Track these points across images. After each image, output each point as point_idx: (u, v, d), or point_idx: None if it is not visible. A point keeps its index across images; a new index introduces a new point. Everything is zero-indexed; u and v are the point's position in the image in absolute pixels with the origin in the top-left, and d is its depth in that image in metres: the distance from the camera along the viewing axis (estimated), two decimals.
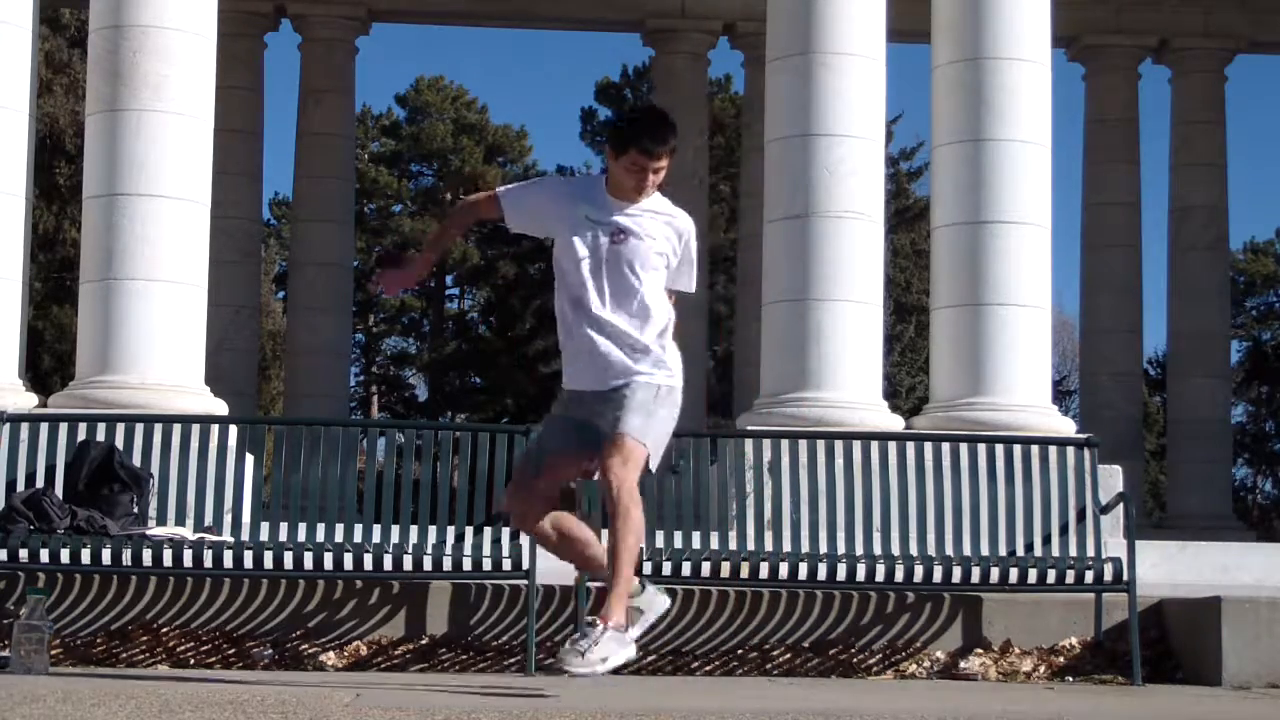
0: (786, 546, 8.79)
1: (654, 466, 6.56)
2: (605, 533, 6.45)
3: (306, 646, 8.58)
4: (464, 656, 8.57)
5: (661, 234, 6.62)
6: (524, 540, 8.49)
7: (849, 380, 11.38)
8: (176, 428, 9.06)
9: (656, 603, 6.65)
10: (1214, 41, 20.27)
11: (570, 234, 6.61)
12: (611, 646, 6.21)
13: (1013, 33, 11.92)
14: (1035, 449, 9.12)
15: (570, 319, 6.61)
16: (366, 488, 8.76)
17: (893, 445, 9.20)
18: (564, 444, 6.64)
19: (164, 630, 8.60)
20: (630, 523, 6.34)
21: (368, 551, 8.50)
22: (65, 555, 8.40)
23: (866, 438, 9.31)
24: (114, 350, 10.79)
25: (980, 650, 8.71)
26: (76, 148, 25.78)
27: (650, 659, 8.62)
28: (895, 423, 11.51)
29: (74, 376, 11.13)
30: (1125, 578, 8.57)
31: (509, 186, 6.82)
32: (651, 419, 6.49)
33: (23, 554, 8.39)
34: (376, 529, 8.68)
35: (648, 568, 8.40)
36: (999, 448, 9.10)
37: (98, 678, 7.23)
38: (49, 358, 28.20)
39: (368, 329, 43.60)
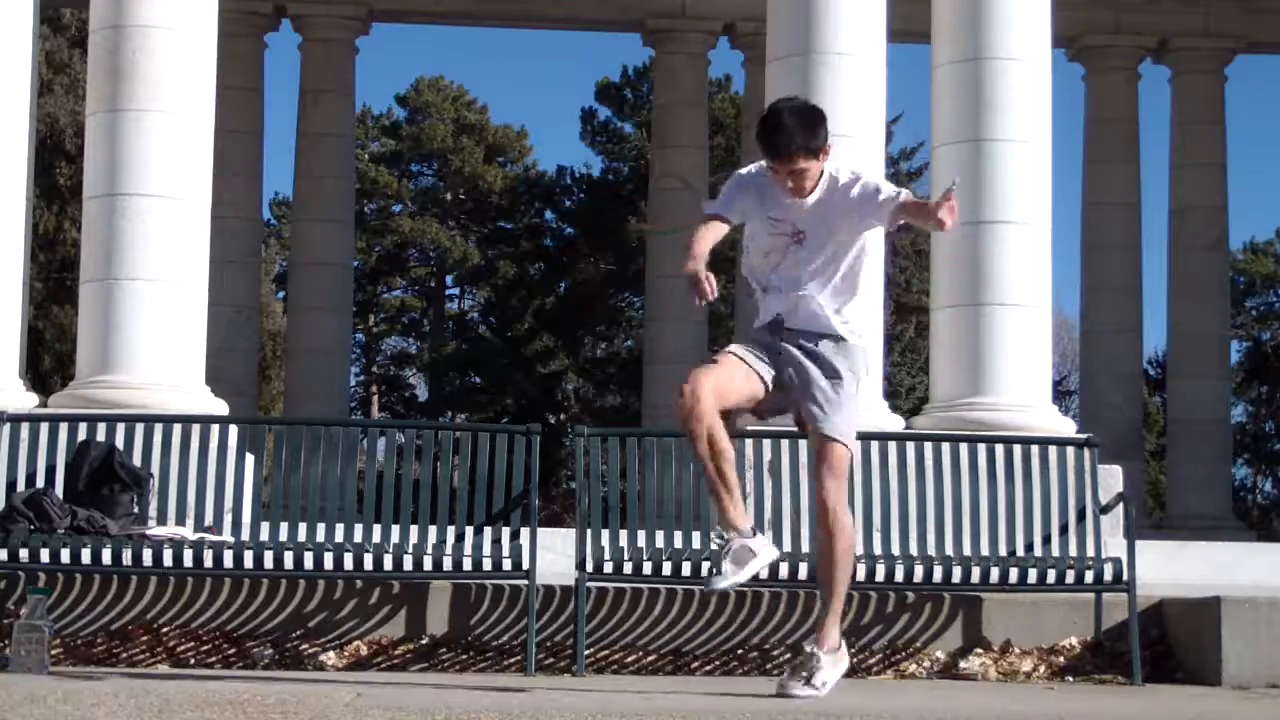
0: (787, 546, 8.79)
1: (853, 448, 6.84)
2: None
3: (307, 646, 8.58)
4: (464, 656, 8.57)
5: (836, 211, 6.72)
6: (524, 540, 8.49)
7: None
8: (176, 428, 9.06)
9: (767, 550, 6.70)
10: (1214, 41, 20.28)
11: (759, 231, 6.87)
12: (830, 671, 6.61)
13: (1012, 33, 11.93)
14: (1035, 449, 9.12)
15: (769, 292, 6.87)
16: (366, 488, 8.76)
17: (893, 445, 9.20)
18: (756, 369, 6.74)
19: (164, 630, 8.60)
20: (844, 543, 6.69)
21: (368, 551, 8.50)
22: (65, 555, 8.40)
23: (866, 438, 9.31)
24: (114, 350, 10.79)
25: (980, 650, 8.71)
26: (76, 148, 25.77)
27: (650, 659, 8.63)
28: (895, 423, 11.51)
29: (74, 376, 11.14)
30: (1125, 578, 8.56)
31: (716, 202, 6.93)
32: (854, 402, 6.80)
33: (23, 554, 8.38)
34: (376, 529, 8.68)
35: (647, 567, 8.40)
36: (999, 448, 9.10)
37: (98, 678, 7.23)
38: (49, 358, 28.20)
39: (368, 329, 43.58)
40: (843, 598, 6.77)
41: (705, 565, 8.45)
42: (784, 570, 8.56)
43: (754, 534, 6.69)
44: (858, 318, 6.89)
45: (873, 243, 7.02)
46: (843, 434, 6.76)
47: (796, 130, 6.71)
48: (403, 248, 43.37)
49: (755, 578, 6.86)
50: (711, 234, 6.79)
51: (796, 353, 6.79)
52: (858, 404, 6.89)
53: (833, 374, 6.78)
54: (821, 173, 6.78)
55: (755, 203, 6.83)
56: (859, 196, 6.74)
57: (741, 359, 6.75)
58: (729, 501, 6.56)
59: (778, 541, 8.82)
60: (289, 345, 21.20)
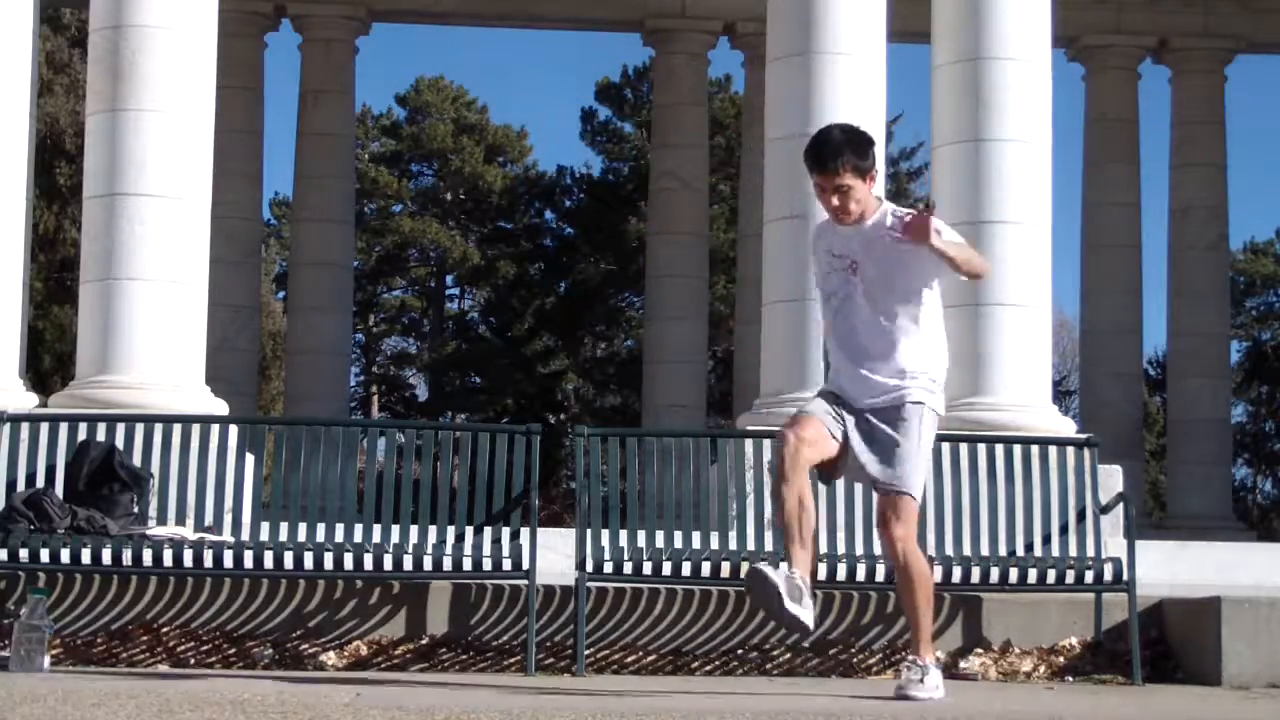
0: None
1: (918, 495, 6.91)
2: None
3: (307, 646, 8.58)
4: (464, 656, 8.56)
5: (891, 245, 6.70)
6: (524, 540, 8.49)
7: None
8: (176, 428, 9.06)
9: (808, 612, 6.68)
10: (1214, 41, 20.28)
11: (821, 272, 6.94)
12: (939, 677, 6.89)
13: (1012, 33, 11.93)
14: (1035, 449, 9.12)
15: (832, 350, 6.94)
16: (366, 488, 8.76)
17: None
18: (833, 431, 6.79)
19: (164, 630, 8.59)
20: (917, 579, 6.88)
21: (368, 551, 8.49)
22: (65, 555, 8.40)
23: None
24: (114, 350, 10.79)
25: (980, 650, 8.71)
26: (76, 148, 25.75)
27: (650, 659, 8.62)
28: None
29: (74, 376, 11.14)
30: (1125, 578, 8.56)
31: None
32: (918, 455, 6.83)
33: (23, 554, 8.38)
34: (376, 529, 8.68)
35: (647, 567, 8.40)
36: (999, 448, 9.09)
37: (98, 678, 7.24)
38: (49, 358, 28.18)
39: (368, 329, 43.58)
40: (922, 625, 6.97)
41: (706, 565, 8.46)
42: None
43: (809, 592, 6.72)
44: (923, 366, 6.84)
45: (936, 288, 6.93)
46: (907, 484, 6.82)
47: (845, 145, 6.77)
48: (403, 248, 43.35)
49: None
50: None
51: (861, 423, 6.83)
52: (923, 452, 6.92)
53: (895, 433, 6.82)
54: (878, 202, 6.83)
55: (823, 249, 6.93)
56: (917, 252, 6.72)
57: (822, 420, 6.79)
58: (801, 553, 6.61)
59: (778, 542, 8.82)
60: (289, 345, 21.21)
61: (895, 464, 6.80)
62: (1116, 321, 20.25)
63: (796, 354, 11.41)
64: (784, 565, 6.58)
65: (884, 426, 6.81)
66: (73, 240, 27.02)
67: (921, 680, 6.84)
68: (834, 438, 6.79)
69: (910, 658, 6.95)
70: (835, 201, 6.76)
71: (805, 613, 6.48)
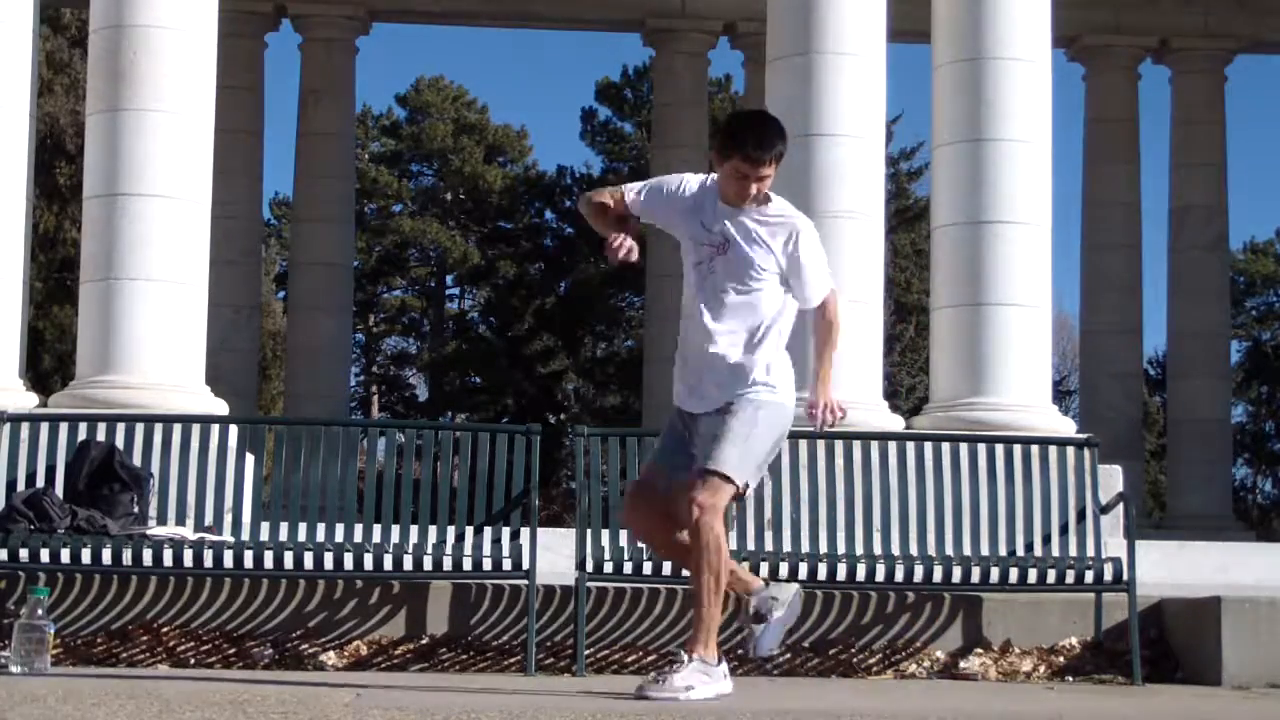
0: (786, 546, 8.79)
1: (750, 489, 6.59)
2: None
3: (306, 646, 8.58)
4: (464, 656, 8.56)
5: (771, 241, 6.57)
6: (524, 540, 8.49)
7: (849, 380, 11.36)
8: (176, 428, 9.06)
9: (786, 589, 6.70)
10: (1214, 41, 20.28)
11: (687, 241, 6.63)
12: (697, 676, 6.32)
13: (1012, 33, 11.93)
14: (1035, 449, 9.12)
15: (685, 328, 6.70)
16: (366, 488, 8.76)
17: (893, 445, 9.20)
18: (684, 463, 6.60)
19: (164, 630, 8.59)
20: (707, 557, 6.33)
21: (368, 551, 8.49)
22: (65, 555, 8.40)
23: (866, 438, 9.31)
24: (114, 350, 10.79)
25: (980, 650, 8.70)
26: (76, 148, 25.77)
27: (650, 659, 8.62)
28: (895, 423, 11.51)
29: (74, 376, 11.14)
30: (1125, 578, 8.56)
31: (637, 190, 6.69)
32: (748, 444, 6.47)
33: (23, 554, 8.38)
34: (376, 529, 8.67)
35: (647, 568, 8.40)
36: (999, 448, 9.09)
37: (98, 677, 7.23)
38: (49, 358, 28.20)
39: (368, 329, 43.58)
40: (705, 612, 6.44)
41: None
42: (784, 570, 8.56)
43: (766, 584, 6.67)
44: (768, 359, 6.67)
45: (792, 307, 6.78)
46: (722, 463, 6.41)
47: (779, 137, 6.56)
48: (403, 248, 43.36)
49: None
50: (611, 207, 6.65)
51: (700, 425, 6.63)
52: (754, 444, 6.53)
53: (727, 416, 6.54)
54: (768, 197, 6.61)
55: (688, 214, 6.59)
56: (789, 257, 6.59)
57: (650, 488, 6.69)
58: (731, 577, 6.57)
59: (777, 541, 8.82)
60: (289, 345, 21.20)
61: (717, 444, 6.43)
62: (1116, 321, 20.25)
63: (796, 354, 11.38)
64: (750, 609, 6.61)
65: (720, 416, 6.53)
66: (73, 240, 27.04)
67: (664, 681, 6.30)
68: (658, 492, 6.62)
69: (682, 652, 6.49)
70: (751, 189, 6.52)
71: (781, 603, 6.61)
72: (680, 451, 6.67)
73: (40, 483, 8.91)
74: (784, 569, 8.55)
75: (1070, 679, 8.46)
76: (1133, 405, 20.53)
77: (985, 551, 8.83)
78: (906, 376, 35.77)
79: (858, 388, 11.39)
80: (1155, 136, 21.87)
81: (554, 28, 22.46)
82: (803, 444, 9.09)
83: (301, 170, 20.24)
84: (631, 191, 6.71)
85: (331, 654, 8.52)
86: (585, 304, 39.37)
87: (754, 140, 6.48)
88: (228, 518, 8.85)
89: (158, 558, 8.39)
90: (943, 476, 8.94)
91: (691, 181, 6.73)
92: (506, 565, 8.45)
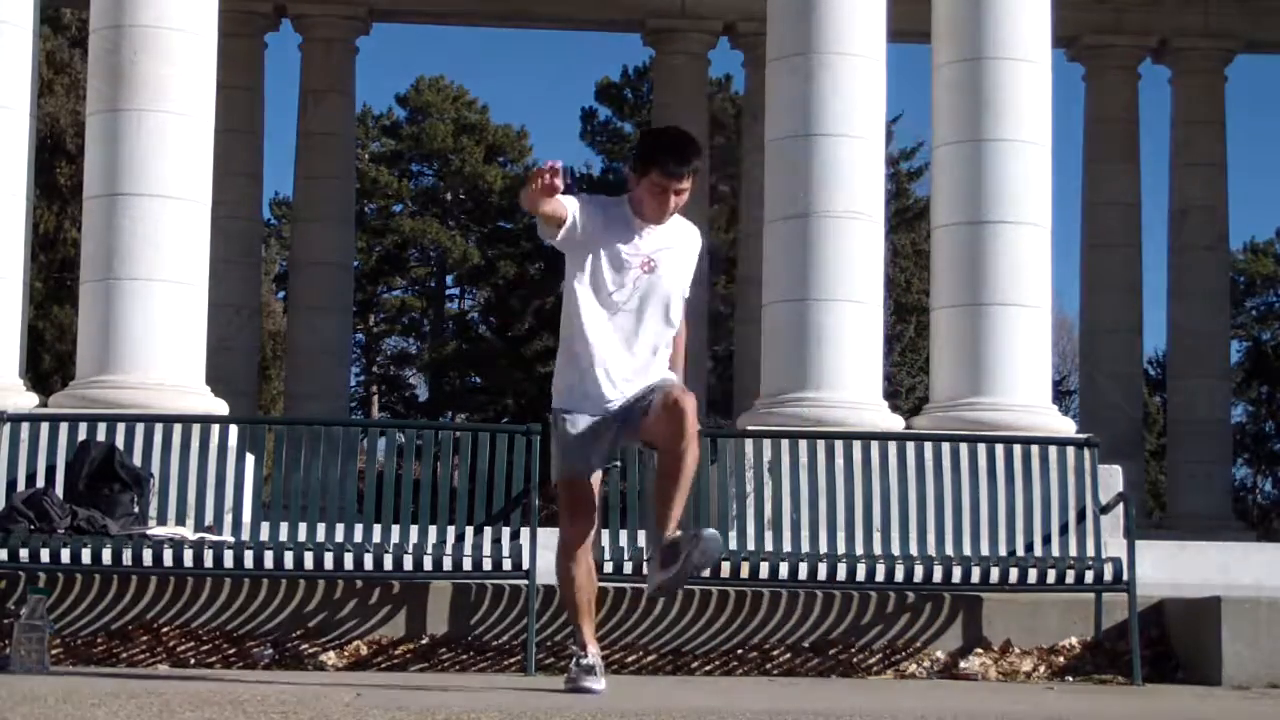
0: (786, 546, 8.79)
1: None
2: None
3: (307, 646, 8.58)
4: (464, 656, 8.57)
5: (687, 254, 6.64)
6: (524, 540, 8.50)
7: (849, 380, 11.37)
8: (177, 428, 9.06)
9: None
10: (1214, 41, 20.26)
11: (603, 260, 6.50)
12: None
13: (1013, 33, 11.92)
14: (1035, 449, 9.12)
15: (590, 341, 6.51)
16: (366, 488, 8.76)
17: (893, 445, 9.20)
18: (600, 461, 6.65)
19: (164, 630, 8.60)
20: (691, 467, 6.36)
21: (368, 551, 8.50)
22: (65, 555, 8.40)
23: (866, 438, 9.31)
24: (114, 350, 10.79)
25: (980, 650, 8.71)
26: (77, 148, 25.76)
27: (650, 659, 8.63)
28: (895, 423, 11.51)
29: (74, 376, 11.13)
30: (1125, 578, 8.57)
31: (574, 203, 6.48)
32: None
33: (23, 554, 8.39)
34: (376, 529, 8.68)
35: (647, 568, 8.39)
36: (999, 448, 9.10)
37: (98, 677, 7.23)
38: (49, 358, 28.19)
39: (368, 329, 43.58)
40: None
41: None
42: (784, 570, 8.57)
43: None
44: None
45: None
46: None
47: (697, 152, 6.56)
48: (403, 248, 43.36)
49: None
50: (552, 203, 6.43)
51: (619, 414, 6.58)
52: None
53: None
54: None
55: (600, 229, 6.49)
56: (692, 275, 6.65)
57: (591, 491, 6.68)
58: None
59: (777, 541, 8.82)
60: (289, 345, 21.19)
61: (664, 381, 6.51)
62: (1116, 321, 20.23)
63: (796, 354, 11.39)
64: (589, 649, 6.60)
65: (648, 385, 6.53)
66: (73, 240, 27.04)
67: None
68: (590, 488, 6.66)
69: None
70: (670, 203, 6.49)
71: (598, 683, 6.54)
72: (595, 441, 6.61)
73: (40, 483, 8.92)
74: (784, 569, 8.56)
75: (1070, 679, 8.47)
76: (1133, 405, 20.52)
77: (985, 551, 8.83)
78: (906, 376, 35.77)
79: (858, 388, 11.39)
80: (1155, 136, 21.86)
81: (554, 28, 22.45)
82: (802, 444, 9.10)
83: (301, 170, 20.22)
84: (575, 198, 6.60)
85: (331, 654, 8.52)
86: None
87: (673, 155, 6.48)
88: (228, 518, 8.85)
89: (158, 558, 8.39)
90: (943, 476, 8.95)
91: (598, 201, 6.65)
92: (506, 565, 8.46)
